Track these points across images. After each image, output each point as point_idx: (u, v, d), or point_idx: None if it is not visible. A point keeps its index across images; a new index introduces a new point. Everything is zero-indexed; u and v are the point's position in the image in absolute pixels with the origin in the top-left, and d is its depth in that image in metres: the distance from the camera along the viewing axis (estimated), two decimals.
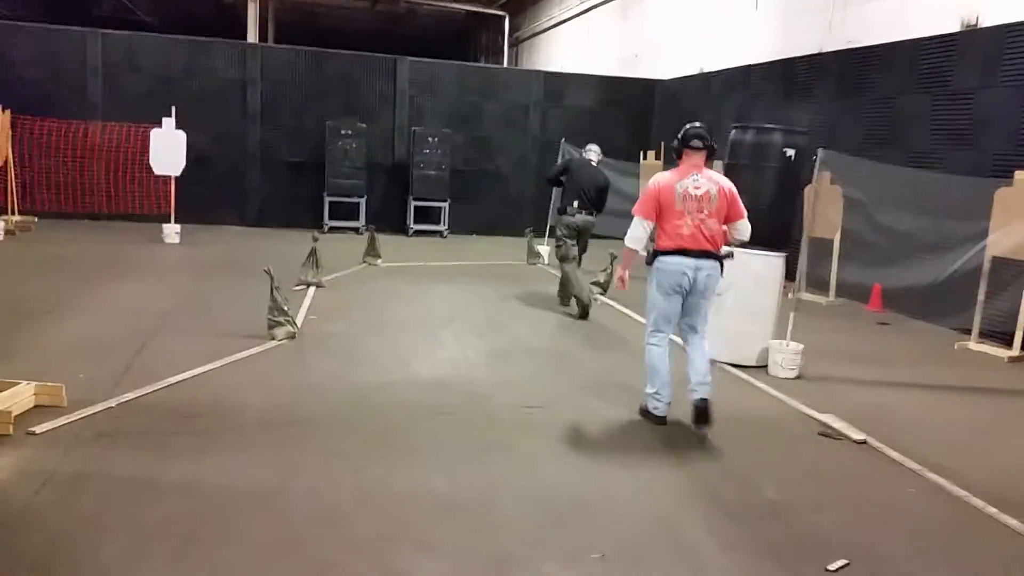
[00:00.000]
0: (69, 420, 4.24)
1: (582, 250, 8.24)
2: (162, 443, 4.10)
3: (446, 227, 13.87)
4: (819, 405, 5.36)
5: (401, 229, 13.85)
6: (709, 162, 4.92)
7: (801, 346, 6.07)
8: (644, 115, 14.95)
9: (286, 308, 6.23)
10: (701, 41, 13.74)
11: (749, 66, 12.20)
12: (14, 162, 11.46)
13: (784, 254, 6.23)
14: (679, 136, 4.86)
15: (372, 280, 9.19)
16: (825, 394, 5.71)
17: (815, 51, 10.75)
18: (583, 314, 7.81)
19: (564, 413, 4.98)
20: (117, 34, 13.09)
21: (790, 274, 6.38)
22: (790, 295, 6.33)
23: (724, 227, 4.84)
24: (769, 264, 6.15)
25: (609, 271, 9.02)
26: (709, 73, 13.29)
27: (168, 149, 10.90)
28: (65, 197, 12.21)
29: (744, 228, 4.90)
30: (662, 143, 12.89)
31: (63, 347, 5.67)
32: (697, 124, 4.92)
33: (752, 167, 6.12)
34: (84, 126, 12.27)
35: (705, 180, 4.77)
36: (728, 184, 4.85)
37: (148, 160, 11.06)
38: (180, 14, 24.71)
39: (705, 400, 4.70)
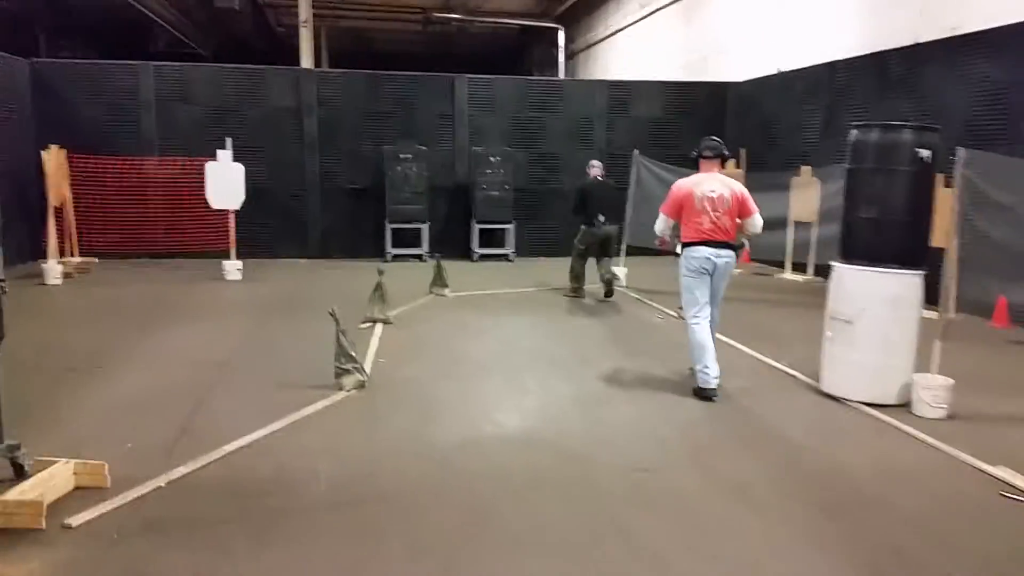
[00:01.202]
0: (112, 507, 3.63)
1: (607, 253, 9.51)
2: (219, 534, 3.46)
3: (512, 250, 13.21)
4: (987, 454, 4.47)
5: (465, 254, 13.24)
6: (722, 167, 5.89)
7: (951, 380, 5.15)
8: (716, 120, 14.02)
9: (354, 354, 5.60)
10: (777, 39, 12.84)
11: (833, 62, 11.26)
12: (73, 202, 11.25)
13: (923, 271, 5.34)
14: (699, 147, 5.80)
15: (442, 313, 8.54)
16: (989, 438, 4.80)
17: (910, 42, 9.79)
18: (574, 292, 9.51)
19: (683, 478, 4.19)
20: (169, 66, 12.84)
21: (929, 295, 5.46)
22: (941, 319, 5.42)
23: (738, 221, 5.64)
24: (906, 284, 5.27)
25: None
26: (788, 72, 12.37)
27: (225, 182, 10.50)
28: (124, 236, 11.92)
29: (753, 223, 5.69)
30: (742, 150, 12.07)
31: (112, 408, 5.13)
32: (713, 137, 5.87)
33: (880, 171, 5.25)
34: (140, 162, 11.99)
35: (719, 184, 5.64)
36: (739, 187, 5.69)
37: (205, 194, 10.68)
38: (233, 46, 24.79)
39: (713, 390, 5.48)
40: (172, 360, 6.37)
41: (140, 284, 10.12)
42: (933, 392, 5.11)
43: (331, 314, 5.48)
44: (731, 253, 5.58)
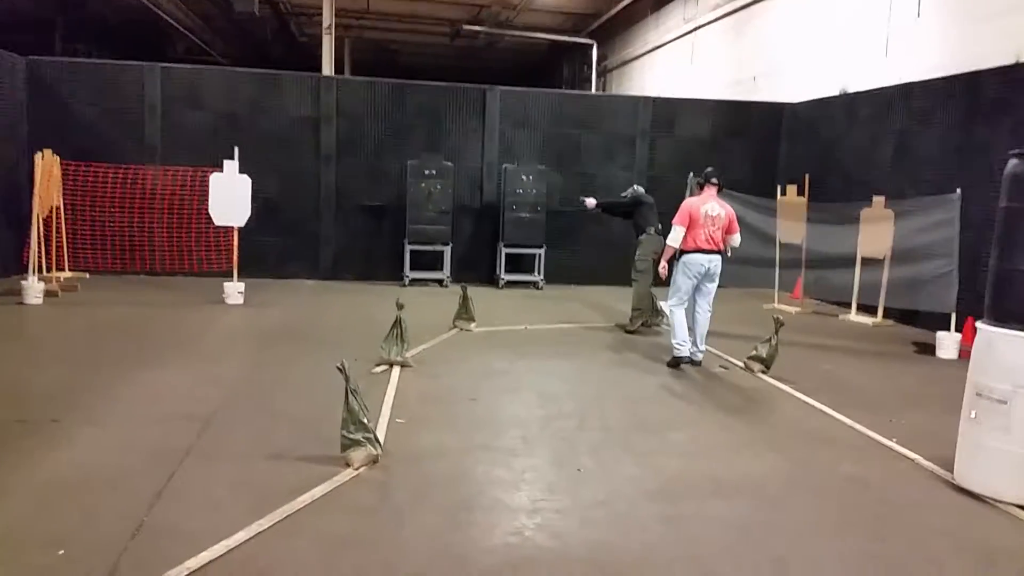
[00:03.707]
0: None
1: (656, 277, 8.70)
2: None
3: (541, 277, 12.07)
4: None
5: (489, 280, 12.14)
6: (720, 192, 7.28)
7: None
8: (769, 143, 12.94)
9: (366, 420, 4.45)
10: (841, 58, 11.70)
11: (911, 84, 10.10)
12: (64, 213, 10.22)
13: None
14: (703, 175, 7.31)
15: (467, 354, 7.39)
16: None
17: (1010, 62, 8.62)
18: (640, 325, 8.82)
19: None
20: (178, 68, 11.85)
21: None
22: None
23: (726, 236, 7.13)
24: None
25: (774, 342, 7.02)
26: (855, 93, 11.21)
27: (230, 196, 9.44)
28: (117, 252, 10.89)
29: (735, 239, 7.23)
30: (807, 175, 10.88)
31: (56, 483, 3.98)
32: (711, 168, 7.34)
33: None
34: (140, 171, 10.96)
35: (717, 205, 7.11)
36: (730, 209, 7.20)
37: (208, 209, 9.62)
38: (255, 54, 23.98)
39: (699, 362, 7.20)
40: (144, 413, 5.22)
41: (128, 307, 9.02)
42: None
43: (340, 369, 4.34)
44: (719, 258, 7.11)
